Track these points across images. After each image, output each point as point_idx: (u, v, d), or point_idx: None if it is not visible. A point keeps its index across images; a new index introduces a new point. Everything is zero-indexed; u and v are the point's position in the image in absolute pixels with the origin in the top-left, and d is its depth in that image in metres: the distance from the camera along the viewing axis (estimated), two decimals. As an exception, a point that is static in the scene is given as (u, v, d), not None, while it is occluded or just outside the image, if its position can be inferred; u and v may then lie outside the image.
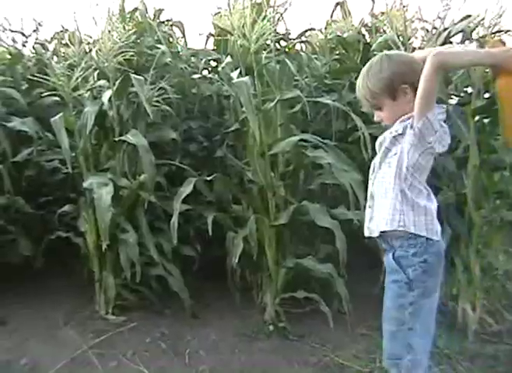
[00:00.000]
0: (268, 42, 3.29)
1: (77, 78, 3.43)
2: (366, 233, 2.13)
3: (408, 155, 1.91)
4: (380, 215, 2.01)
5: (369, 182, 2.12)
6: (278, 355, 3.07)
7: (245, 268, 3.53)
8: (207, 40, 4.55)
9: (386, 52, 2.10)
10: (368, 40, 4.27)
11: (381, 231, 2.01)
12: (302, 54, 3.44)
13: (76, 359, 3.05)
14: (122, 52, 3.42)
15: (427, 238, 1.96)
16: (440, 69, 1.86)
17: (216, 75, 4.01)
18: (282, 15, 3.54)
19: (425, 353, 2.03)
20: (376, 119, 2.08)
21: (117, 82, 3.43)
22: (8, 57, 4.55)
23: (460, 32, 3.38)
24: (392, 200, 1.95)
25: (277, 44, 3.81)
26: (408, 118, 1.93)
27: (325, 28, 4.64)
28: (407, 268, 1.97)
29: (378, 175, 2.05)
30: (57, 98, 3.80)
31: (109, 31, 3.41)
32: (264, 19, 3.09)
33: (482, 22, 3.31)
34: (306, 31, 4.41)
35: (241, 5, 3.30)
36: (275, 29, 3.38)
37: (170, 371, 2.95)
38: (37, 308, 3.66)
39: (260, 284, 3.53)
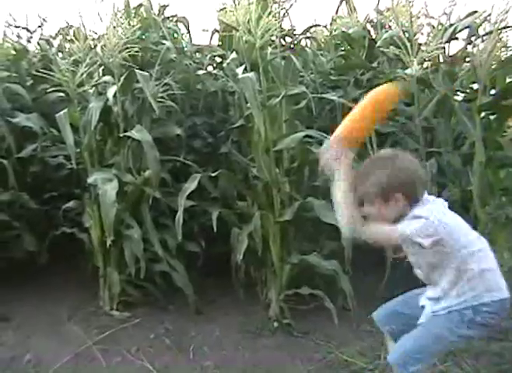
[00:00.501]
0: (274, 38, 3.28)
1: (82, 74, 3.44)
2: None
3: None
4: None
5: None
6: (282, 352, 3.06)
7: (249, 264, 3.53)
8: (212, 36, 4.55)
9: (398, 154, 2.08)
10: (373, 36, 4.25)
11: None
12: (307, 49, 3.42)
13: (80, 355, 3.06)
14: (127, 48, 3.41)
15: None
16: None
17: (221, 71, 4.00)
18: (287, 11, 3.53)
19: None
20: (365, 211, 2.09)
21: (122, 78, 3.42)
22: (13, 52, 4.55)
23: (466, 28, 3.37)
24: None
25: (282, 40, 3.79)
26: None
27: (330, 24, 4.62)
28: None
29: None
30: (62, 94, 3.81)
31: (114, 27, 3.41)
32: (269, 14, 3.08)
33: (488, 18, 3.29)
34: (311, 27, 4.40)
35: (246, 1, 3.28)
36: (281, 25, 3.37)
37: (174, 367, 2.94)
38: (41, 304, 3.67)
39: (264, 281, 3.52)
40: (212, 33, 4.54)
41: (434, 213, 1.94)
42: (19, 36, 4.71)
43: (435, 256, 1.99)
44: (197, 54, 4.65)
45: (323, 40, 4.66)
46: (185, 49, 4.45)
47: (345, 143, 2.01)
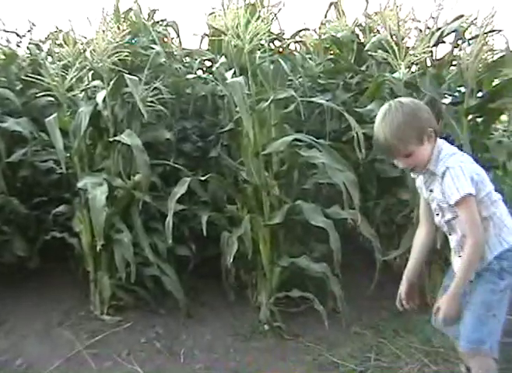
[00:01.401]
0: (262, 42, 3.29)
1: (71, 79, 3.43)
2: None
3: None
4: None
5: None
6: (273, 354, 3.08)
7: (240, 267, 3.54)
8: (201, 40, 4.56)
9: (399, 100, 2.17)
10: (362, 40, 4.28)
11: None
12: (296, 53, 3.44)
13: (71, 359, 3.06)
14: (116, 52, 3.42)
15: None
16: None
17: (211, 75, 4.01)
18: (276, 15, 3.54)
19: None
20: (403, 165, 2.18)
21: (111, 83, 3.43)
22: (3, 57, 4.54)
23: (453, 32, 3.40)
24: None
25: (271, 44, 3.81)
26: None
27: (319, 28, 4.64)
28: (503, 260, 2.12)
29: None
30: (51, 98, 3.79)
31: (103, 31, 3.41)
32: (257, 19, 3.10)
33: (474, 22, 3.33)
34: (300, 31, 4.42)
35: (235, 6, 3.30)
36: (269, 29, 3.38)
37: (165, 371, 2.96)
38: (32, 309, 3.66)
39: (255, 284, 3.54)
40: (202, 38, 4.56)
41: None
42: (8, 41, 4.69)
43: None
44: (187, 58, 4.65)
45: (312, 44, 4.68)
46: (175, 53, 4.45)
47: None
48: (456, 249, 2.23)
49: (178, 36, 4.71)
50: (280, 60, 3.28)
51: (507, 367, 2.76)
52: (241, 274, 3.63)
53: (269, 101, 3.16)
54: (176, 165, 3.67)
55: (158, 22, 4.69)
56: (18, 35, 4.68)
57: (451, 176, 2.03)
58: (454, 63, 3.49)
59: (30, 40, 4.80)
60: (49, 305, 3.71)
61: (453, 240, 2.23)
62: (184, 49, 4.65)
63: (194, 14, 5.07)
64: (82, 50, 3.60)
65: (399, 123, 2.04)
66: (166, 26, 4.73)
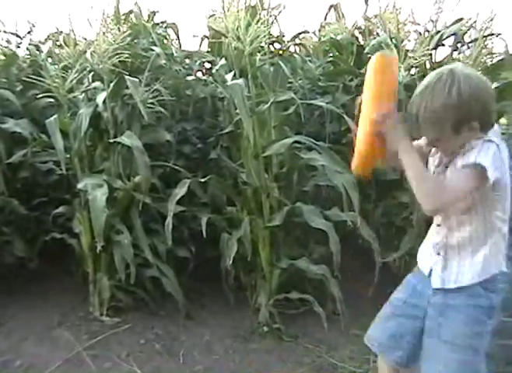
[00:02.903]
0: (263, 44, 3.30)
1: (72, 80, 3.43)
2: (436, 284, 1.91)
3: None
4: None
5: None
6: (272, 356, 3.09)
7: (239, 269, 3.54)
8: (201, 42, 4.57)
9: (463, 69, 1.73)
10: (361, 43, 4.29)
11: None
12: (296, 56, 3.45)
13: (71, 360, 3.06)
14: (117, 54, 3.42)
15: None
16: (442, 209, 1.74)
17: (211, 77, 4.02)
18: (276, 17, 3.56)
19: None
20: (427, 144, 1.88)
21: (111, 84, 3.43)
22: (3, 58, 4.54)
23: (452, 35, 3.41)
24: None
25: (271, 47, 3.82)
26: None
27: (319, 30, 4.65)
28: (491, 293, 1.80)
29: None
30: (51, 99, 3.80)
31: (104, 33, 3.42)
32: (258, 21, 3.11)
33: (474, 26, 3.34)
34: (300, 34, 4.43)
35: (235, 8, 3.31)
36: (269, 32, 3.39)
37: (165, 372, 2.96)
38: (31, 310, 3.65)
39: (254, 285, 3.54)
40: (202, 39, 4.57)
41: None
42: (8, 42, 4.69)
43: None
44: (186, 59, 4.66)
45: (311, 47, 4.69)
46: (175, 55, 4.46)
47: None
48: (435, 249, 1.91)
49: (178, 37, 4.73)
50: (280, 62, 3.28)
51: (509, 370, 2.79)
52: (240, 276, 3.63)
53: (269, 103, 3.16)
54: (176, 167, 3.68)
55: (158, 24, 4.70)
56: (18, 36, 4.68)
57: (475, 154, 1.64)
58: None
59: (30, 41, 4.80)
60: (48, 306, 3.71)
61: (439, 233, 1.89)
62: (183, 51, 4.66)
63: (194, 16, 5.07)
64: (82, 52, 3.60)
65: (444, 103, 1.65)
66: (166, 27, 4.74)
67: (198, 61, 4.46)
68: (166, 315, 3.55)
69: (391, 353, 2.04)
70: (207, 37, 4.44)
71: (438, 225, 1.90)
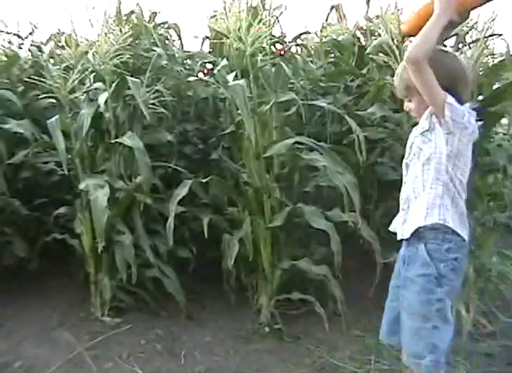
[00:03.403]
0: (264, 45, 3.30)
1: (73, 81, 3.43)
2: (399, 236, 2.07)
3: (447, 144, 1.89)
4: (417, 213, 1.96)
5: (403, 184, 2.08)
6: (273, 356, 3.08)
7: (240, 270, 3.53)
8: (202, 43, 4.58)
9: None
10: (363, 43, 4.30)
11: (418, 227, 1.95)
12: (297, 57, 3.45)
13: (71, 361, 3.05)
14: (118, 54, 3.42)
15: (461, 237, 1.94)
16: (419, 63, 1.83)
17: (212, 78, 4.02)
18: (277, 18, 3.55)
19: (445, 354, 1.96)
20: (405, 108, 2.10)
21: (113, 85, 3.43)
22: (5, 59, 4.55)
23: (454, 35, 3.40)
24: (431, 194, 1.92)
25: (272, 47, 3.82)
26: (432, 114, 1.93)
27: (321, 31, 4.65)
28: (439, 263, 1.91)
29: (411, 174, 2.02)
30: (53, 100, 3.80)
31: (105, 33, 3.42)
32: (259, 22, 3.11)
33: (475, 26, 3.34)
34: (301, 34, 4.43)
35: (237, 9, 3.31)
36: (271, 32, 3.39)
37: (166, 372, 2.95)
38: (32, 310, 3.66)
39: (255, 286, 3.54)
40: (203, 40, 4.57)
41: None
42: (10, 42, 4.71)
43: (436, 149, 1.90)
44: (187, 60, 4.66)
45: (313, 47, 4.69)
46: (176, 55, 4.46)
47: None
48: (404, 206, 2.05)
49: (180, 38, 4.73)
50: (282, 63, 3.28)
51: (510, 371, 2.80)
52: (242, 276, 3.62)
53: (271, 104, 3.16)
54: (177, 168, 3.68)
55: (160, 24, 4.70)
56: (20, 37, 4.70)
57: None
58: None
59: (32, 41, 4.81)
60: (48, 306, 3.71)
61: (406, 186, 2.04)
62: (185, 51, 4.67)
63: (195, 16, 5.08)
64: (84, 53, 3.60)
65: None
66: (168, 28, 4.74)
67: (200, 62, 4.45)
68: (167, 316, 3.55)
69: (390, 339, 2.16)
70: (208, 38, 4.45)
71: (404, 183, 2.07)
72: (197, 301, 3.70)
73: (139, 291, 3.54)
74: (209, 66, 4.51)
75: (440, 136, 1.91)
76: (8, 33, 4.70)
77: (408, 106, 2.07)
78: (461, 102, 1.90)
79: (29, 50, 4.77)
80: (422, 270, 1.93)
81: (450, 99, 1.86)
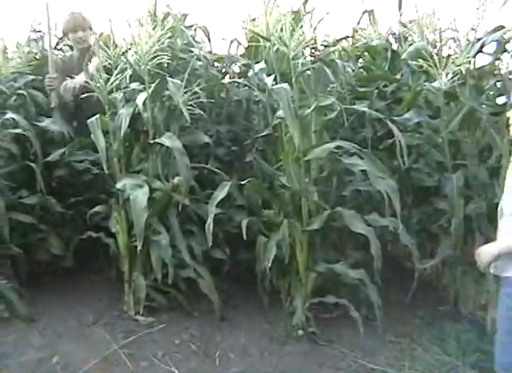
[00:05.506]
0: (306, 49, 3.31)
1: (113, 82, 3.45)
2: None
3: None
4: None
5: None
6: (308, 359, 3.09)
7: (274, 272, 3.54)
8: (230, 45, 4.60)
9: None
10: (395, 48, 4.30)
11: None
12: (337, 61, 3.46)
13: (107, 358, 3.07)
14: (157, 55, 3.44)
15: None
16: None
17: (245, 80, 4.03)
18: (319, 22, 3.57)
19: None
20: None
21: (152, 85, 3.44)
22: (37, 57, 4.59)
23: (493, 41, 3.41)
24: None
25: (313, 51, 3.83)
26: None
27: (352, 36, 4.66)
28: None
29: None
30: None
31: (145, 35, 3.43)
32: (302, 26, 3.12)
33: (516, 33, 3.35)
34: (342, 38, 4.44)
35: (277, 12, 3.33)
36: (315, 38, 3.40)
37: (202, 373, 2.97)
38: (66, 307, 3.68)
39: (288, 288, 3.54)
40: (231, 42, 4.59)
41: None
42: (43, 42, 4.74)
43: None
44: (215, 62, 4.68)
45: (344, 52, 4.69)
46: (208, 57, 4.47)
47: None
48: None
49: (209, 40, 4.74)
50: (324, 67, 3.29)
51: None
52: (273, 279, 3.63)
53: (312, 108, 3.17)
54: (214, 169, 3.70)
55: (190, 26, 4.72)
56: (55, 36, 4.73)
57: None
58: (495, 73, 3.51)
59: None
60: (82, 303, 3.73)
61: None
62: (214, 54, 4.68)
63: (222, 19, 5.09)
64: (123, 53, 3.62)
65: None
66: (196, 30, 4.75)
67: (230, 64, 4.48)
68: (199, 316, 3.55)
69: None
70: (237, 41, 4.48)
71: None
72: (229, 302, 3.70)
73: (172, 291, 3.54)
74: (237, 69, 4.54)
75: None
76: (42, 32, 4.73)
77: None
78: None
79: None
80: (509, 289, 2.19)
81: None
